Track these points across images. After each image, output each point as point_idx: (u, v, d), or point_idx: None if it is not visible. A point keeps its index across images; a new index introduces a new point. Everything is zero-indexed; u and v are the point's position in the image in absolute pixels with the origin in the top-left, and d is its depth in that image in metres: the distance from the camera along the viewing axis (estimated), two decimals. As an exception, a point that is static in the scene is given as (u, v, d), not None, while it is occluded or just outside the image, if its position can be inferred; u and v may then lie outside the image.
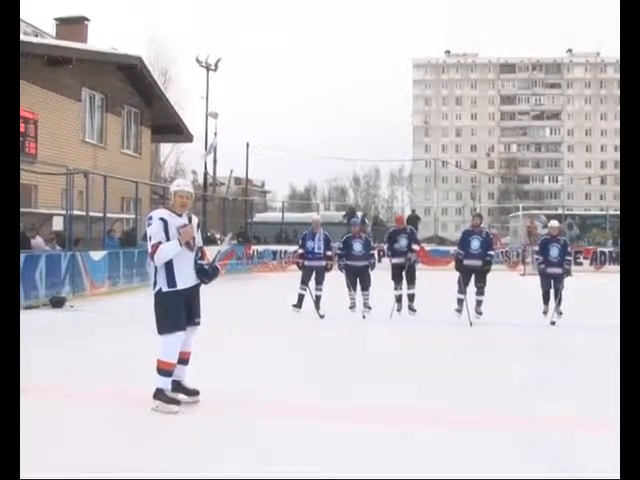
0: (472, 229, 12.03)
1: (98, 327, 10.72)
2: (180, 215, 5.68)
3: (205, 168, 33.54)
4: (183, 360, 5.74)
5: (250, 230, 26.67)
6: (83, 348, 8.67)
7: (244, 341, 9.34)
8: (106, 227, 17.01)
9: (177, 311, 5.57)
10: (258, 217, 31.56)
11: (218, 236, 25.94)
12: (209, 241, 22.92)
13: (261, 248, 25.56)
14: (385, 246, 12.94)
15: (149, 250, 5.50)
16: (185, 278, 5.63)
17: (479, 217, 12.33)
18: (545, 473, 4.25)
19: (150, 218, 5.60)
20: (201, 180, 35.27)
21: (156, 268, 5.59)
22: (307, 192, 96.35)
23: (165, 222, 5.55)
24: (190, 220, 5.72)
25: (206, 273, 5.77)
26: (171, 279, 5.57)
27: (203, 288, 5.85)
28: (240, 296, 16.11)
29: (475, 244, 11.73)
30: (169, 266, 5.55)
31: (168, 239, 5.52)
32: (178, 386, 5.72)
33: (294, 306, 12.43)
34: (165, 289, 5.57)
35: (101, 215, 16.46)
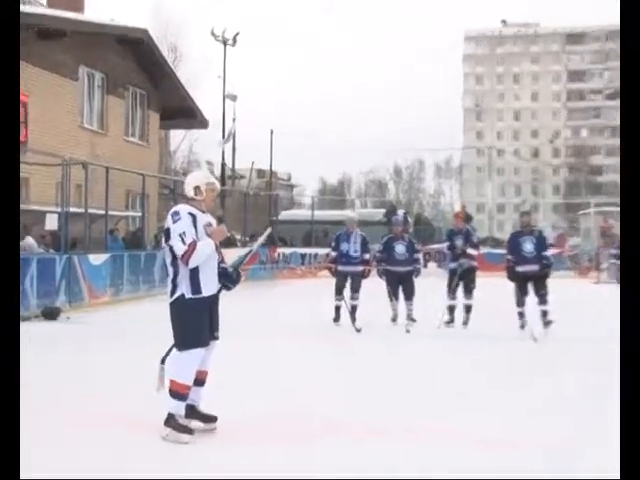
0: (521, 229, 11.97)
1: (98, 342, 10.75)
2: (204, 212, 5.73)
3: (222, 158, 33.80)
4: (199, 381, 5.72)
5: (275, 230, 26.64)
6: (81, 366, 8.70)
7: (267, 358, 9.32)
8: (108, 226, 17.16)
9: (201, 323, 5.60)
10: (284, 215, 31.75)
11: (238, 237, 26.00)
12: (227, 243, 22.91)
13: (287, 251, 25.66)
14: (444, 246, 12.95)
15: (182, 249, 5.46)
16: (210, 283, 5.67)
17: (527, 215, 12.35)
18: (545, 473, 4.64)
19: (177, 213, 5.58)
20: (218, 172, 35.45)
21: (176, 272, 5.59)
22: (340, 186, 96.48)
23: (194, 218, 5.58)
24: (220, 220, 5.72)
25: (230, 278, 5.82)
26: (196, 284, 5.57)
27: (220, 296, 5.87)
28: (263, 306, 16.10)
29: (528, 247, 11.63)
30: (195, 269, 5.55)
31: (197, 239, 5.53)
32: (192, 411, 5.69)
33: (334, 320, 12.53)
34: (188, 295, 5.56)
35: (102, 212, 16.61)
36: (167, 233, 5.62)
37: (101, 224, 16.93)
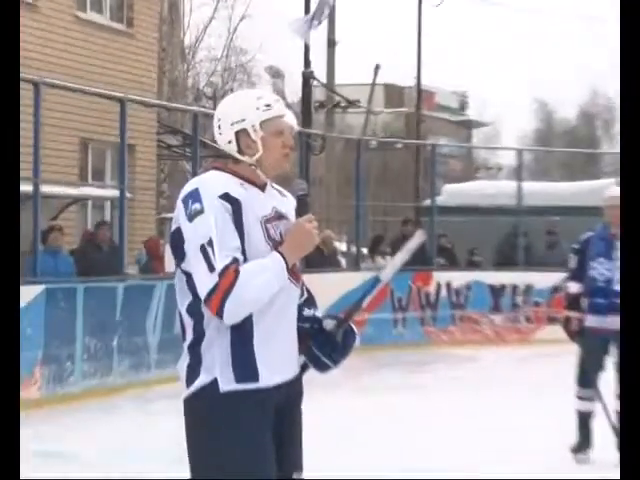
0: None
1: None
2: (263, 187, 5.87)
3: (306, 64, 33.91)
4: None
5: (430, 229, 26.70)
6: None
7: None
8: (40, 222, 17.69)
9: (258, 449, 5.75)
10: (450, 192, 32.65)
11: (343, 246, 26.17)
12: (318, 259, 22.89)
13: (459, 279, 26.14)
14: None
15: (208, 282, 5.52)
16: (279, 357, 5.83)
17: None
18: (546, 473, 9.99)
19: (195, 196, 5.69)
20: (295, 97, 35.79)
21: (201, 329, 5.74)
22: (586, 123, 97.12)
23: (236, 205, 5.69)
24: (303, 205, 6.06)
25: (329, 342, 6.02)
26: (245, 359, 5.71)
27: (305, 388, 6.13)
28: (399, 419, 16.13)
29: None
30: (245, 327, 5.65)
31: (245, 255, 5.60)
32: None
33: (575, 451, 13.27)
34: (227, 385, 5.69)
35: (28, 189, 17.05)
36: (176, 242, 5.73)
37: (26, 215, 16.97)
